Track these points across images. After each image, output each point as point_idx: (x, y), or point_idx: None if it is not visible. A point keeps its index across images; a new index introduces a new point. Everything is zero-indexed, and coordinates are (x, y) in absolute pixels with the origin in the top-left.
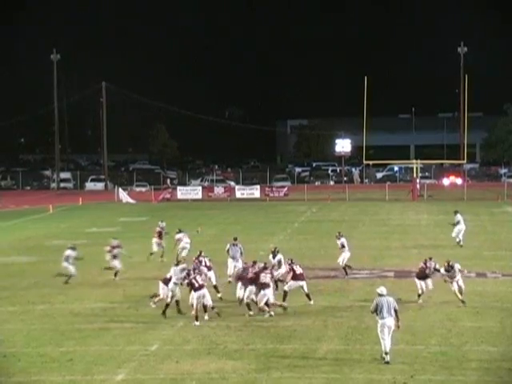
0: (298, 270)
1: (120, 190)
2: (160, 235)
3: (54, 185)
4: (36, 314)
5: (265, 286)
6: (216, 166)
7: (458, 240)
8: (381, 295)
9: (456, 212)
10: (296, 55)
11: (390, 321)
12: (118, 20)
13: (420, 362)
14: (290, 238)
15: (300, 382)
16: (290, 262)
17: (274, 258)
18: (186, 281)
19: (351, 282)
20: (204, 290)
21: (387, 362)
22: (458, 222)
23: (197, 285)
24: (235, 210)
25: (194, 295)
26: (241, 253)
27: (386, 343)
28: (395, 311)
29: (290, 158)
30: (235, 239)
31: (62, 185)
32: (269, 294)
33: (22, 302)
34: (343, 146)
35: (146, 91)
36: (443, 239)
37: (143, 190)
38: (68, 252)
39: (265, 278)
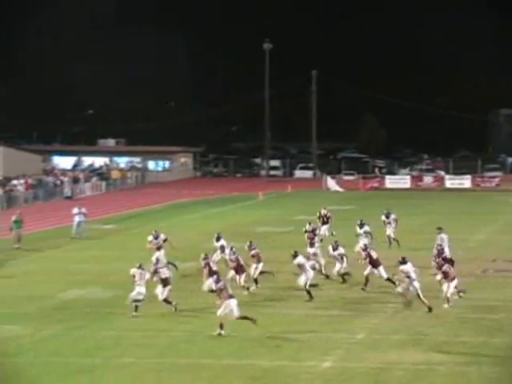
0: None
1: (328, 178)
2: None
3: (263, 172)
4: (246, 298)
5: None
6: (425, 155)
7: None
8: None
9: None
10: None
11: None
12: (329, 8)
13: None
14: (502, 230)
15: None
16: (363, 247)
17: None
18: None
19: None
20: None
21: None
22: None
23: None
24: (444, 200)
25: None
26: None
27: None
28: None
29: (502, 147)
30: (439, 228)
31: (271, 172)
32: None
33: (232, 286)
34: None
35: (355, 79)
36: None
37: (351, 178)
38: None
39: None
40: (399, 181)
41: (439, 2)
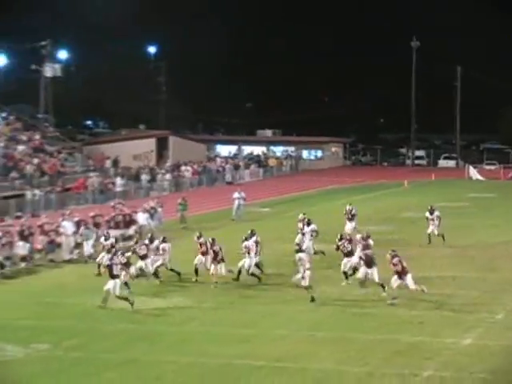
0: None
1: (470, 167)
2: None
3: (409, 162)
4: None
5: None
6: None
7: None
8: None
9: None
10: None
11: None
12: (473, 4)
13: None
14: None
15: None
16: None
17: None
18: None
19: None
20: None
21: None
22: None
23: None
24: None
25: None
26: None
27: None
28: None
29: None
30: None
31: (416, 162)
32: None
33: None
34: None
35: (499, 73)
36: None
37: (492, 168)
38: None
39: None
40: None
41: None
